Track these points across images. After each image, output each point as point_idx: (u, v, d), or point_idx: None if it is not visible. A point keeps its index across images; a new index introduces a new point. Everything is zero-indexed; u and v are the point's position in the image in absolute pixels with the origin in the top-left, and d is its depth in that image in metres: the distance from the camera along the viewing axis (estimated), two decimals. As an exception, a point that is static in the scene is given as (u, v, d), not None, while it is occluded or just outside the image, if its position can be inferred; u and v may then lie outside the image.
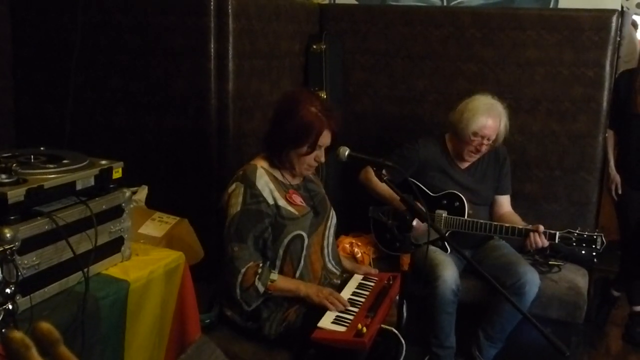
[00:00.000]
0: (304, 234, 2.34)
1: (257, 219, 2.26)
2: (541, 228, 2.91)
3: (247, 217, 2.25)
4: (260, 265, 2.26)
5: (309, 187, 2.50)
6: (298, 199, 2.38)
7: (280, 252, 2.32)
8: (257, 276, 2.22)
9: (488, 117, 3.04)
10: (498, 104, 3.10)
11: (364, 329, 2.08)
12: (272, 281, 2.26)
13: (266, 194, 2.29)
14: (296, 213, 2.34)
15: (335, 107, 3.59)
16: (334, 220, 2.54)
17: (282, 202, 2.31)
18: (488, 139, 3.06)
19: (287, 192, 2.36)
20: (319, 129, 2.29)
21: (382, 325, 2.22)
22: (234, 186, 2.30)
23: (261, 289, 2.23)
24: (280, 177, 2.38)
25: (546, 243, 2.91)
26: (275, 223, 2.29)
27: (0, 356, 1.45)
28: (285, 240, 2.31)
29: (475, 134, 3.05)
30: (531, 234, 2.90)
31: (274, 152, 2.37)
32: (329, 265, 2.47)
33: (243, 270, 2.22)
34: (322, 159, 2.37)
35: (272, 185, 2.32)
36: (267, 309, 2.31)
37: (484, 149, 3.10)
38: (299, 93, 2.44)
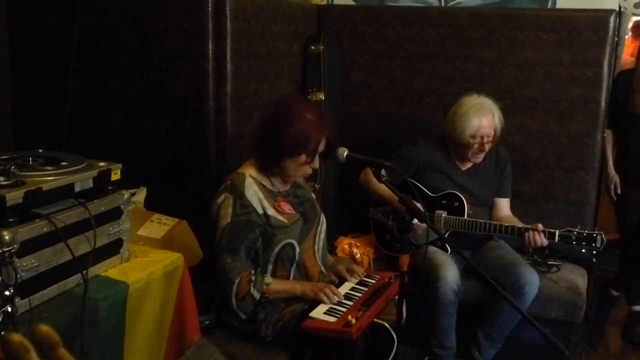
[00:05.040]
0: (294, 242, 2.34)
1: (247, 230, 2.26)
2: (540, 227, 2.90)
3: (237, 229, 2.25)
4: (253, 272, 2.26)
5: (298, 193, 2.49)
6: (287, 207, 2.37)
7: (272, 259, 2.32)
8: (252, 284, 2.23)
9: (481, 117, 3.04)
10: (486, 100, 3.10)
11: (353, 321, 2.10)
12: (267, 284, 2.27)
13: (255, 204, 2.28)
14: (285, 221, 2.33)
15: (333, 109, 3.61)
16: (324, 225, 2.53)
17: (271, 212, 2.31)
18: (488, 137, 3.07)
19: (275, 201, 2.35)
20: (317, 138, 2.28)
21: (375, 320, 2.24)
22: (222, 197, 2.29)
23: (257, 295, 2.24)
24: (269, 185, 2.37)
25: (545, 242, 2.89)
26: (265, 232, 2.29)
27: (-1, 358, 1.44)
28: (276, 249, 2.31)
29: (473, 136, 3.05)
30: (529, 232, 2.89)
31: (269, 160, 2.33)
32: (322, 269, 2.47)
33: (237, 280, 2.23)
34: (317, 166, 2.37)
35: (260, 195, 2.31)
36: (264, 310, 2.31)
37: (487, 147, 3.10)
38: (294, 100, 2.41)
